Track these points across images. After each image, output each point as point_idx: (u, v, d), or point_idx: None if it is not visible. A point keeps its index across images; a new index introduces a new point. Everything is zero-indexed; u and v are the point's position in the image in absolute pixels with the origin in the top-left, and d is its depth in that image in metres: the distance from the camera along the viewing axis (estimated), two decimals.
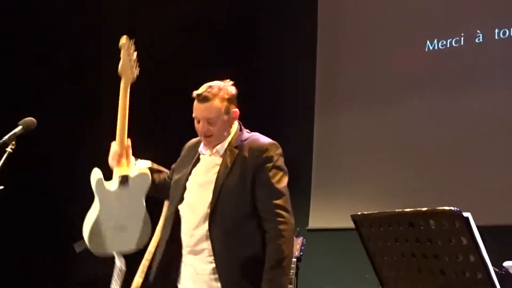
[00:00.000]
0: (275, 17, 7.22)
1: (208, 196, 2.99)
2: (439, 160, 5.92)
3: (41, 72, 6.53)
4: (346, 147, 6.64)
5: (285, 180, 3.05)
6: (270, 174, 2.98)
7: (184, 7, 6.83)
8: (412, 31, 6.40)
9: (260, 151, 3.03)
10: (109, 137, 3.20)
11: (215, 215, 2.96)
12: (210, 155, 3.09)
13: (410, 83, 6.35)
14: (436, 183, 5.82)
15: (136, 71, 3.23)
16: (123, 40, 3.25)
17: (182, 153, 3.28)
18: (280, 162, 3.06)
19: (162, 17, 6.77)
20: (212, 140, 3.05)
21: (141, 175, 3.15)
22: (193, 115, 3.04)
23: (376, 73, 6.61)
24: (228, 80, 3.13)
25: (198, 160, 3.13)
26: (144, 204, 3.16)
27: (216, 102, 3.01)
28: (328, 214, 6.43)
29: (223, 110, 3.03)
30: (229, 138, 3.10)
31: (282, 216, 2.94)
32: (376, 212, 2.15)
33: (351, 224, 2.33)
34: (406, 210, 2.04)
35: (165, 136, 6.57)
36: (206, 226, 2.94)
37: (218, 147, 3.08)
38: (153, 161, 3.37)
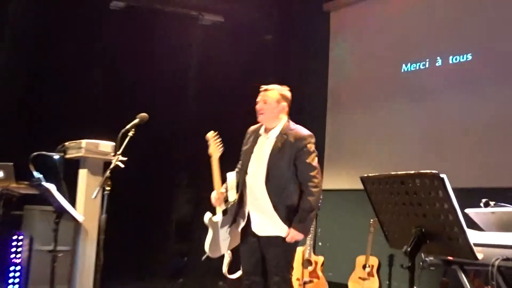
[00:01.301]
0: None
1: (264, 168, 3.62)
2: (417, 147, 6.36)
3: None
4: (348, 135, 7.19)
5: (316, 159, 3.68)
6: (307, 155, 3.63)
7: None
8: (393, 57, 6.88)
9: (301, 138, 3.64)
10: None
11: (268, 181, 3.60)
12: (267, 138, 3.69)
13: (392, 94, 6.89)
14: (417, 161, 6.18)
15: (220, 150, 3.95)
16: (210, 134, 4.00)
17: (247, 135, 3.88)
18: (313, 147, 3.68)
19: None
20: (262, 118, 3.69)
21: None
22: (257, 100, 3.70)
23: (370, 86, 7.15)
24: (286, 86, 3.83)
25: (257, 140, 3.75)
26: None
27: (272, 92, 3.71)
28: (337, 178, 7.09)
29: (275, 99, 3.69)
30: (280, 126, 3.68)
31: (313, 182, 3.58)
32: (377, 174, 2.30)
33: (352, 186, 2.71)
34: (399, 172, 2.15)
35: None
36: (264, 187, 3.60)
37: (271, 132, 3.68)
38: None
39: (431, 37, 6.58)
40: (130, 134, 3.63)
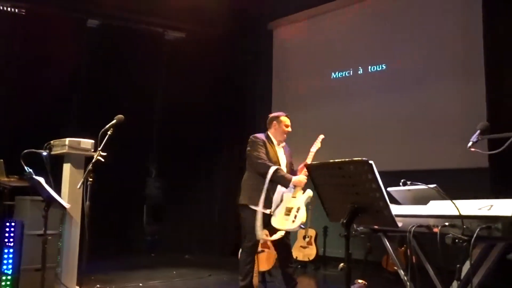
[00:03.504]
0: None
1: (284, 165, 3.90)
2: (346, 139, 6.44)
3: None
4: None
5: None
6: None
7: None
8: (324, 67, 7.07)
9: (288, 151, 4.04)
10: None
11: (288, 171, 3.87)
12: (279, 146, 3.97)
13: (324, 96, 7.04)
14: (348, 151, 6.24)
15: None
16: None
17: (262, 141, 3.89)
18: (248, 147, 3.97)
19: None
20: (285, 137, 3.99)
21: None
22: (287, 124, 3.92)
23: (306, 90, 7.29)
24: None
25: (275, 148, 3.92)
26: None
27: None
28: None
29: None
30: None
31: None
32: (320, 162, 2.34)
33: None
34: (336, 160, 2.14)
35: None
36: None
37: (282, 143, 3.99)
38: None
39: (354, 50, 6.81)
40: (109, 133, 3.56)
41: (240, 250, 3.93)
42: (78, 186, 3.49)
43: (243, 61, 7.86)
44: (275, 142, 3.91)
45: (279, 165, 3.83)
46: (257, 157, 3.77)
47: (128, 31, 7.16)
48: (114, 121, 3.62)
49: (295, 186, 3.75)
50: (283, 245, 3.88)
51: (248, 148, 3.87)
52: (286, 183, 3.72)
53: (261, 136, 3.91)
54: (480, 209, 2.03)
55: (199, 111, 7.61)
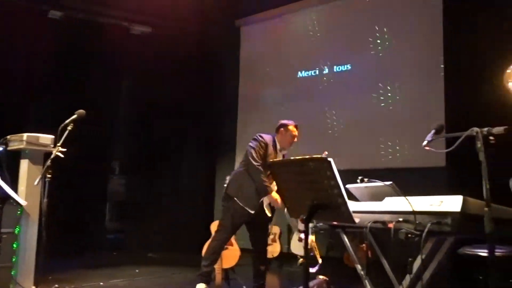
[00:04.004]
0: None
1: None
2: (311, 137, 6.04)
3: None
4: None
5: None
6: None
7: None
8: (291, 66, 7.10)
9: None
10: None
11: None
12: (280, 152, 3.96)
13: (290, 94, 7.03)
14: (311, 149, 6.29)
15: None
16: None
17: (267, 144, 3.87)
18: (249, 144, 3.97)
19: None
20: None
21: None
22: (294, 134, 3.91)
23: (273, 89, 7.23)
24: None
25: (277, 152, 3.93)
26: None
27: None
28: None
29: None
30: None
31: None
32: (281, 159, 2.60)
33: None
34: (298, 157, 2.20)
35: None
36: None
37: (285, 151, 4.00)
38: None
39: (320, 50, 6.91)
40: (69, 128, 3.51)
41: (212, 239, 3.93)
42: (36, 183, 3.43)
43: (210, 58, 7.81)
44: (278, 147, 3.96)
45: None
46: (254, 159, 3.80)
47: (92, 24, 6.99)
48: (74, 116, 3.57)
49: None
50: (261, 241, 3.96)
51: (250, 144, 3.89)
52: (265, 192, 3.76)
53: (267, 137, 3.94)
54: (431, 205, 2.13)
55: (164, 107, 7.54)
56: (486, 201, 2.00)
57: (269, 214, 3.91)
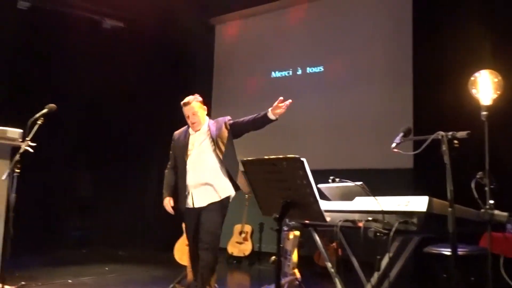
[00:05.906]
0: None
1: (207, 154, 3.52)
2: (283, 137, 6.38)
3: None
4: None
5: None
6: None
7: None
8: (264, 66, 7.16)
9: (218, 123, 3.62)
10: None
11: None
12: (197, 133, 3.60)
13: (263, 95, 6.97)
14: (284, 148, 6.55)
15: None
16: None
17: (175, 138, 3.71)
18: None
19: None
20: (196, 125, 3.60)
21: None
22: (184, 114, 3.57)
23: (246, 88, 7.31)
24: (197, 94, 3.70)
25: (188, 137, 3.61)
26: None
27: (194, 104, 3.62)
28: None
29: (198, 107, 3.62)
30: (206, 123, 3.65)
31: None
32: (254, 158, 2.31)
33: None
34: (271, 156, 2.19)
35: None
36: (207, 172, 3.50)
37: (201, 129, 3.60)
38: None
39: (294, 51, 7.00)
40: (39, 122, 3.44)
41: (208, 250, 3.39)
42: (4, 178, 3.36)
43: (183, 55, 7.76)
44: (190, 130, 3.75)
45: (184, 160, 3.66)
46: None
47: (62, 16, 6.84)
48: (45, 110, 3.53)
49: None
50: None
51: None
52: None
53: (180, 130, 3.84)
54: (399, 205, 2.23)
55: (134, 104, 7.46)
56: (449, 201, 2.09)
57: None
